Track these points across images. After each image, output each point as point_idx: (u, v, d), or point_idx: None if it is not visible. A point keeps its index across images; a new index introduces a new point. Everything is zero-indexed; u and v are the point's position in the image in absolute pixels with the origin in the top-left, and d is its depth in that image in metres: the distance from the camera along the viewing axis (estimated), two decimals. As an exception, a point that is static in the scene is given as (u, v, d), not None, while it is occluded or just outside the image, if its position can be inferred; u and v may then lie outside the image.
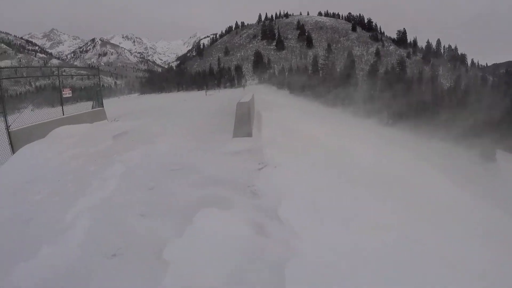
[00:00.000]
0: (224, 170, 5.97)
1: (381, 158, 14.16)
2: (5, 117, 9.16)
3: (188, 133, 9.95)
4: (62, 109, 11.98)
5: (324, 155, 9.36)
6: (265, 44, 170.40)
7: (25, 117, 10.33)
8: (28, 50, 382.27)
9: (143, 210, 4.41)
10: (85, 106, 14.41)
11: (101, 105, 15.05)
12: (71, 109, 12.93)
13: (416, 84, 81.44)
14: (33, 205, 5.07)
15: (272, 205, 4.35)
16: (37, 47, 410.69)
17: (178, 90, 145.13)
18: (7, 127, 9.10)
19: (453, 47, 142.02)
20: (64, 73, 13.42)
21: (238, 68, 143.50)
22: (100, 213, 4.40)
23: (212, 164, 6.40)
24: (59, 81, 12.43)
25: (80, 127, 11.76)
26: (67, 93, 12.51)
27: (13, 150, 9.03)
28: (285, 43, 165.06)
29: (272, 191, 4.81)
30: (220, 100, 32.08)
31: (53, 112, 12.01)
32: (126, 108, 35.50)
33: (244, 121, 8.48)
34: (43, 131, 10.40)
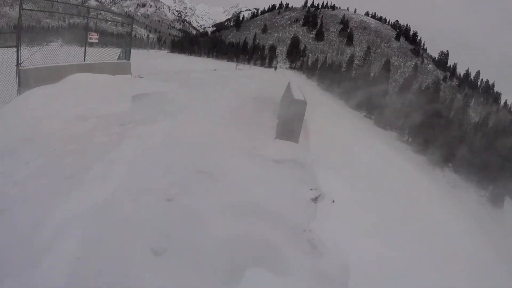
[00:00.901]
0: (268, 191, 4.57)
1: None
2: (18, 51, 7.95)
3: (219, 115, 8.37)
4: (85, 54, 10.59)
5: (390, 188, 7.67)
6: (305, 30, 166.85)
7: (44, 55, 9.21)
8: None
9: (157, 245, 3.08)
10: (112, 54, 12.97)
11: (128, 57, 13.49)
12: (96, 54, 11.52)
13: (445, 109, 78.82)
14: (14, 186, 3.99)
15: (339, 274, 3.17)
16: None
17: (208, 57, 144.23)
18: (18, 64, 7.88)
19: (490, 82, 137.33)
20: (92, 15, 11.96)
21: (272, 49, 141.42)
22: (92, 231, 3.13)
23: (250, 175, 4.98)
24: (87, 22, 11.00)
25: (100, 78, 10.48)
26: (93, 37, 10.94)
27: (20, 91, 7.93)
28: (325, 35, 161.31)
29: (336, 247, 3.56)
30: (252, 78, 29.53)
31: (80, 53, 10.85)
32: (153, 63, 34.32)
33: (295, 123, 6.86)
34: (59, 75, 9.18)
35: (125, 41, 14.25)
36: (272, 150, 6.24)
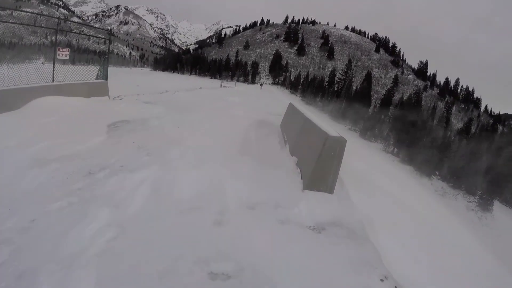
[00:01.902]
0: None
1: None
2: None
3: (220, 150, 6.72)
4: (53, 73, 9.11)
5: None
6: (286, 46, 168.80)
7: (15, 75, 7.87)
8: (52, 3, 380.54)
9: None
10: (90, 73, 11.58)
11: (105, 77, 11.91)
12: (72, 73, 10.11)
13: (428, 118, 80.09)
14: None
15: None
16: (61, 2, 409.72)
17: (191, 74, 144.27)
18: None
19: (470, 88, 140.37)
20: (68, 30, 10.82)
21: (255, 65, 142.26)
22: None
23: (289, 267, 3.03)
24: (55, 36, 9.68)
25: (71, 102, 9.00)
26: (63, 53, 9.71)
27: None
28: (306, 50, 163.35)
29: None
30: (241, 96, 28.63)
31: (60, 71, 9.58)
32: (136, 82, 33.20)
33: (330, 169, 4.82)
34: (21, 99, 7.74)
35: (103, 58, 12.63)
36: (304, 208, 4.30)
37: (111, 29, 13.50)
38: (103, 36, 12.47)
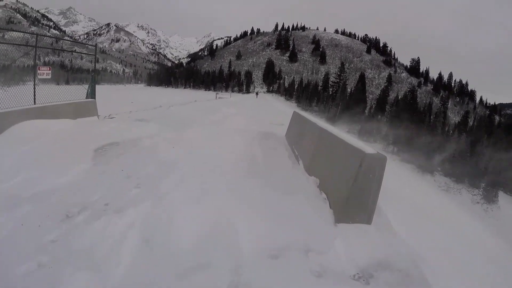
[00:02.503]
0: None
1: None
2: None
3: (225, 174, 5.56)
4: (34, 95, 8.38)
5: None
6: (278, 53, 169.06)
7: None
8: (43, 24, 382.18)
9: None
10: (79, 92, 10.72)
11: (93, 95, 11.02)
12: (61, 93, 9.45)
13: (425, 116, 79.76)
14: None
15: None
16: (51, 23, 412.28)
17: (185, 87, 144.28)
18: None
19: (464, 82, 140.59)
20: (41, 45, 9.62)
21: (248, 74, 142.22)
22: None
23: None
24: (35, 53, 8.76)
25: (55, 126, 8.09)
26: (44, 73, 8.91)
27: None
28: (298, 56, 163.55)
29: None
30: (237, 107, 27.61)
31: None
32: (130, 98, 32.34)
33: (369, 193, 3.83)
34: (1, 125, 6.99)
35: (91, 76, 11.63)
36: (341, 249, 3.32)
37: (96, 44, 12.52)
38: (89, 53, 11.36)
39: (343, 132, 5.03)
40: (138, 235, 3.38)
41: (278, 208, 4.20)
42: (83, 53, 13.11)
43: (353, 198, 3.83)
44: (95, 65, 11.98)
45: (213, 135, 9.41)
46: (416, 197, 11.34)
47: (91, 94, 11.21)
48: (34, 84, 8.60)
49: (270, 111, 30.04)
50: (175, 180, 5.09)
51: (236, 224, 3.69)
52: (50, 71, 9.27)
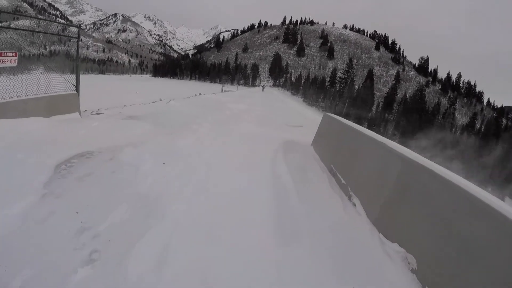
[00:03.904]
0: None
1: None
2: None
3: (243, 236, 3.27)
4: None
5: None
6: (285, 47, 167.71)
7: None
8: (49, 13, 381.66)
9: None
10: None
11: (76, 88, 8.69)
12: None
13: (434, 116, 79.04)
14: None
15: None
16: (58, 12, 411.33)
17: (190, 79, 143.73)
18: None
19: (472, 83, 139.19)
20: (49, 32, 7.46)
21: (255, 67, 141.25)
22: None
23: None
24: None
25: (19, 127, 6.28)
26: (8, 60, 6.50)
27: None
28: (306, 50, 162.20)
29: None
30: (245, 102, 25.28)
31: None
32: (133, 89, 31.23)
33: None
34: None
35: (75, 64, 9.08)
36: None
37: (80, 25, 10.77)
38: (72, 36, 8.64)
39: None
40: None
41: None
42: (64, 35, 10.38)
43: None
44: (77, 50, 9.43)
45: (219, 143, 7.49)
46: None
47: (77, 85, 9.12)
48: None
49: (281, 108, 28.79)
50: (160, 244, 2.95)
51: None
52: (15, 58, 7.35)
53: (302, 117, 23.21)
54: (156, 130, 8.06)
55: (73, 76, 8.59)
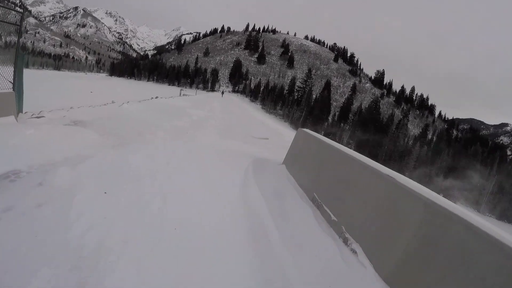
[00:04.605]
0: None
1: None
2: None
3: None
4: None
5: None
6: (247, 54, 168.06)
7: None
8: (8, 1, 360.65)
9: None
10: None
11: (20, 85, 7.47)
12: None
13: (388, 127, 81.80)
14: None
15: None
16: (17, 1, 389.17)
17: (148, 80, 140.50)
18: None
19: (425, 96, 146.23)
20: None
21: (215, 72, 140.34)
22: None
23: None
24: None
25: None
26: None
27: None
28: (266, 58, 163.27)
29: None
30: (204, 108, 24.60)
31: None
32: (84, 88, 29.31)
33: None
34: None
35: (19, 53, 7.42)
36: None
37: (25, 8, 9.06)
38: (10, 22, 6.21)
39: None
40: None
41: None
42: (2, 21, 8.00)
43: None
44: (18, 39, 7.41)
45: (178, 159, 6.38)
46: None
47: (17, 83, 7.67)
48: None
49: (243, 116, 28.24)
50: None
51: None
52: None
53: (265, 128, 22.85)
54: (103, 140, 6.90)
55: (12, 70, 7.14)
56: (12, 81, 7.09)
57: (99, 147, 6.21)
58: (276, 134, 13.92)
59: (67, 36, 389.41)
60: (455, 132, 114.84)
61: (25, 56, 8.44)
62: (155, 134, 8.72)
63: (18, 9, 7.78)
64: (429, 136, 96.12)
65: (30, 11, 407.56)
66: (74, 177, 4.27)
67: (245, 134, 13.52)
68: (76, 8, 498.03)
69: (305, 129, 6.76)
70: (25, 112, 8.12)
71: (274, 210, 4.30)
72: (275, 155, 7.99)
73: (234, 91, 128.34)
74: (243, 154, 7.85)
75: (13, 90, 7.06)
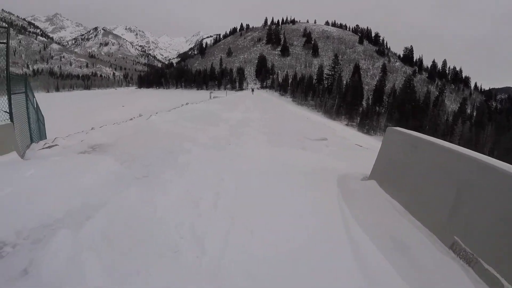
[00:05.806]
0: None
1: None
2: None
3: None
4: None
5: None
6: (269, 48, 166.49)
7: None
8: (30, 32, 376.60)
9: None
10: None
11: (11, 116, 5.72)
12: None
13: (426, 106, 78.56)
14: None
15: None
16: (38, 30, 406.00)
17: (177, 87, 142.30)
18: None
19: (457, 68, 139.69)
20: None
21: (240, 71, 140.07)
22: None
23: None
24: None
25: None
26: None
27: None
28: (290, 50, 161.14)
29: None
30: (237, 109, 22.62)
31: None
32: (119, 103, 29.28)
33: None
34: None
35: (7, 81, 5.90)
36: None
37: (10, 24, 8.52)
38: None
39: None
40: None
41: None
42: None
43: None
44: (7, 58, 5.58)
45: (231, 195, 4.38)
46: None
47: (29, 110, 7.19)
48: None
49: (282, 112, 26.59)
50: None
51: None
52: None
53: (311, 123, 21.41)
54: (123, 171, 5.23)
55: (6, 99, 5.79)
56: (7, 111, 5.71)
57: (117, 183, 4.59)
58: (327, 129, 12.15)
59: (91, 56, 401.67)
60: (493, 104, 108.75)
61: (28, 79, 7.57)
62: (190, 152, 6.92)
63: (4, 24, 6.97)
64: (469, 111, 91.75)
65: (52, 38, 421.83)
66: (76, 252, 2.69)
67: (297, 136, 11.25)
68: (96, 29, 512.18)
69: (399, 129, 4.76)
70: (38, 142, 7.23)
71: (410, 280, 2.55)
72: (349, 163, 6.57)
73: (262, 87, 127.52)
74: (314, 169, 6.01)
75: (10, 120, 5.63)
